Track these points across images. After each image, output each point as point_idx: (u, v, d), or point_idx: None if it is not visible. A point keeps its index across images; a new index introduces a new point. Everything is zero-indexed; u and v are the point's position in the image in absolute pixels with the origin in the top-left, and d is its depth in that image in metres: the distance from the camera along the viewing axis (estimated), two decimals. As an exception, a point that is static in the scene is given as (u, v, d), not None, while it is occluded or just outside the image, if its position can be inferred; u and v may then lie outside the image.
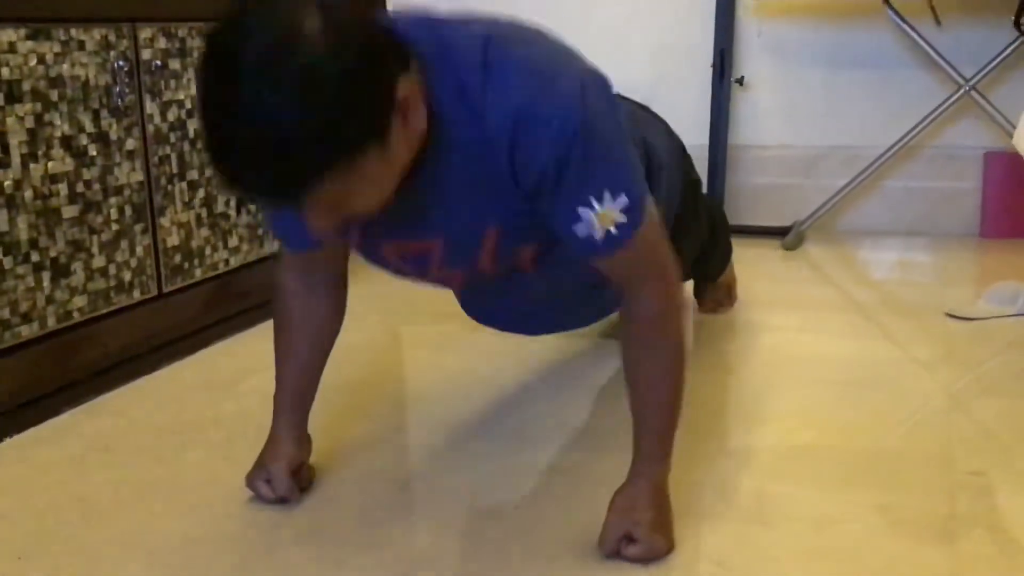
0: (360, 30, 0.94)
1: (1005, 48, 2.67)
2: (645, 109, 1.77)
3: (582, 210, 1.09)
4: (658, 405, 1.21)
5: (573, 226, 1.11)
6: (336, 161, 0.93)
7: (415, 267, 1.28)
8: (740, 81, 2.95)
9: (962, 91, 2.71)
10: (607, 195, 1.09)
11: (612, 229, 1.11)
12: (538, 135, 1.05)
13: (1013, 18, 2.54)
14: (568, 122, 1.05)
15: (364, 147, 0.94)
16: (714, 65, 2.91)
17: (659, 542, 1.17)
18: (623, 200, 1.10)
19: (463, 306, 1.61)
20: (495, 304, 1.55)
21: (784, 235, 2.83)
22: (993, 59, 2.68)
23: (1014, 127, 2.60)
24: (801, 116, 2.97)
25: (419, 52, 1.03)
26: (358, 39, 0.93)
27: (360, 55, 0.92)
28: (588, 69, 1.12)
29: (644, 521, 1.17)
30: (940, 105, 2.75)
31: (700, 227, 1.88)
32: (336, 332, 1.39)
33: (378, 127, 0.95)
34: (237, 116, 0.89)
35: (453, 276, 1.31)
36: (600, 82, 1.13)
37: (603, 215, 1.10)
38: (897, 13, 2.73)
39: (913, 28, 2.73)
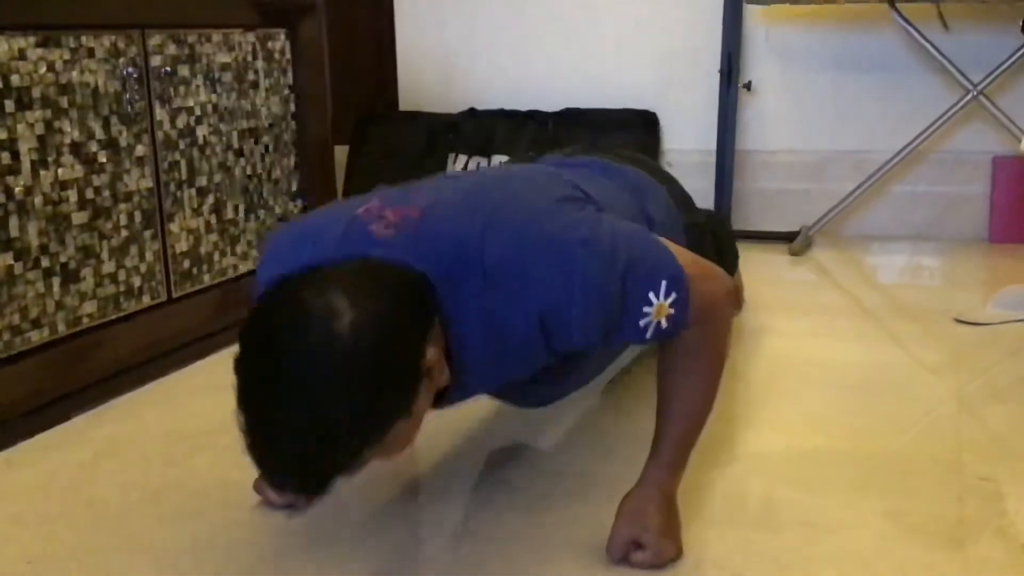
0: (386, 313, 0.98)
1: (1013, 53, 2.66)
2: (642, 160, 1.75)
3: (642, 322, 1.12)
4: (687, 416, 1.22)
5: (641, 336, 1.14)
6: (370, 443, 0.96)
7: None
8: (747, 86, 2.95)
9: (970, 96, 2.71)
10: (651, 297, 1.12)
11: (665, 321, 1.13)
12: (567, 320, 1.09)
13: (1021, 23, 2.54)
14: (588, 298, 1.08)
15: (392, 425, 0.98)
16: (721, 70, 2.91)
17: (667, 548, 1.17)
18: (668, 291, 1.12)
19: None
20: (515, 394, 1.56)
21: (792, 240, 2.82)
22: (1001, 64, 2.68)
23: (1022, 131, 2.61)
24: (809, 121, 2.97)
25: (432, 286, 1.05)
26: (388, 330, 0.97)
27: (392, 352, 0.97)
28: (569, 219, 1.14)
29: (652, 527, 1.17)
30: (948, 110, 2.74)
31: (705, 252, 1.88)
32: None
33: (408, 405, 0.99)
34: (274, 420, 0.94)
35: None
36: (589, 222, 1.14)
37: (658, 309, 1.13)
38: (904, 18, 2.73)
39: (921, 33, 2.73)
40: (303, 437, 0.93)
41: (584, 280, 1.08)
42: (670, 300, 1.13)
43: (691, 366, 1.21)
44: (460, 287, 1.07)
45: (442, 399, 1.11)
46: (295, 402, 0.93)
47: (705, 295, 1.18)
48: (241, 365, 0.98)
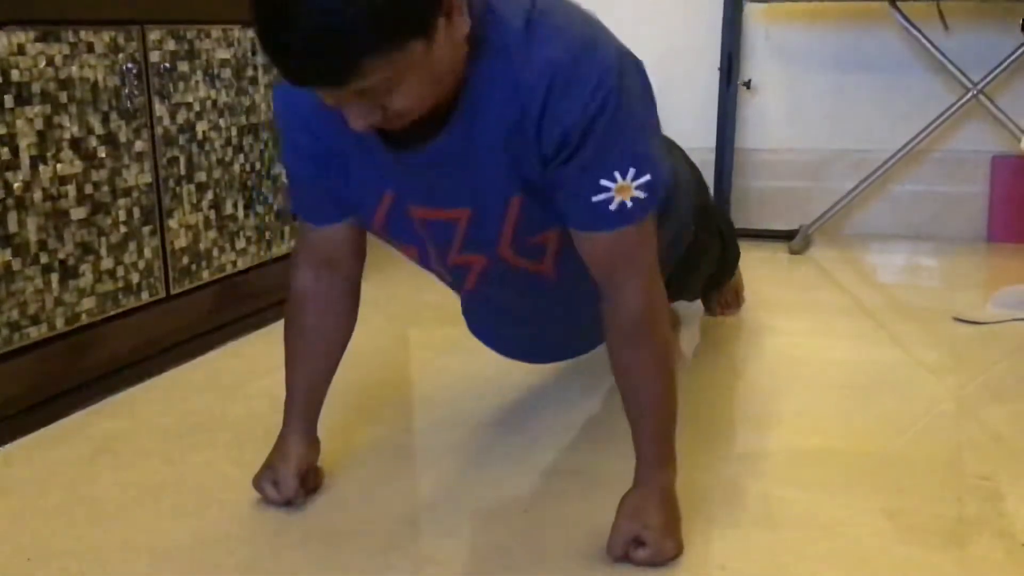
0: None
1: (1013, 52, 2.66)
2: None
3: (604, 181, 1.10)
4: (655, 407, 1.20)
5: (591, 195, 1.11)
6: (382, 46, 0.95)
7: (438, 242, 1.27)
8: (747, 85, 2.95)
9: (970, 95, 2.71)
10: (632, 171, 1.10)
11: (628, 202, 1.11)
12: (572, 93, 1.07)
13: (1021, 22, 2.54)
14: (603, 86, 1.07)
15: (410, 37, 0.96)
16: (721, 68, 2.91)
17: (668, 546, 1.17)
18: (646, 178, 1.11)
19: (470, 323, 1.61)
20: (503, 319, 1.55)
21: (791, 239, 2.82)
22: (1001, 63, 2.68)
23: (1022, 131, 2.61)
24: (808, 120, 2.97)
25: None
26: None
27: None
28: (627, 50, 1.14)
29: (653, 524, 1.16)
30: (948, 109, 2.74)
31: (714, 250, 1.89)
32: (348, 336, 1.38)
33: (423, 21, 0.97)
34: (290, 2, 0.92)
35: (472, 263, 1.30)
36: (638, 63, 1.14)
37: (623, 187, 1.10)
38: (904, 17, 2.73)
39: (920, 32, 2.73)
40: (317, 19, 0.92)
41: (611, 74, 1.07)
42: (643, 180, 1.11)
43: (644, 358, 1.18)
44: (495, 24, 1.07)
45: (451, 140, 1.10)
46: None
47: (651, 247, 1.16)
48: None
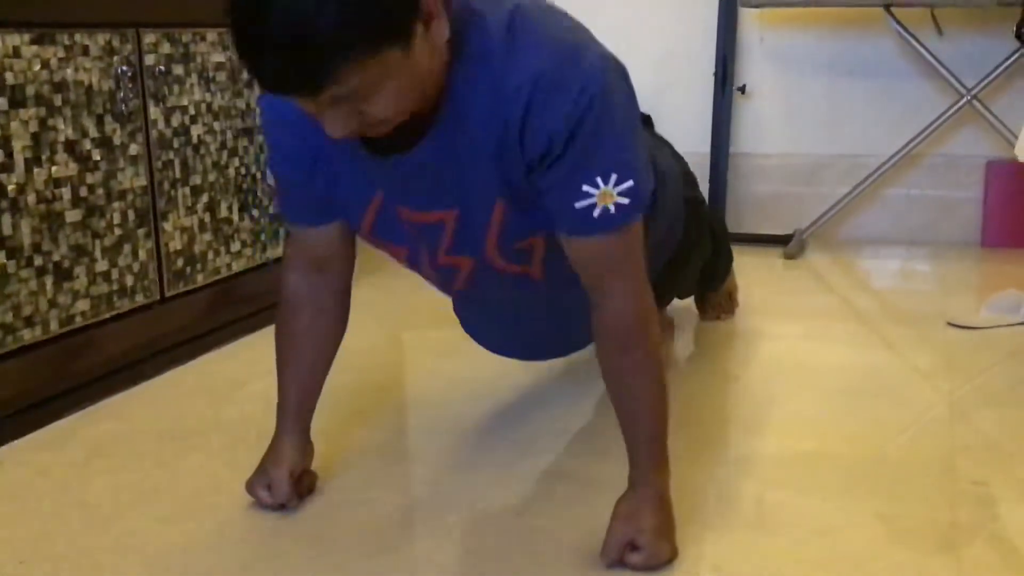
0: None
1: (1006, 58, 2.67)
2: (650, 130, 1.79)
3: (587, 187, 1.10)
4: (647, 413, 1.20)
5: (574, 201, 1.11)
6: (356, 53, 0.94)
7: (426, 244, 1.27)
8: (742, 89, 2.95)
9: (964, 100, 2.71)
10: (614, 177, 1.10)
11: (611, 208, 1.11)
12: (555, 99, 1.07)
13: (1014, 28, 2.54)
14: (586, 92, 1.07)
15: (386, 43, 0.96)
16: (716, 73, 2.91)
17: (663, 549, 1.17)
18: (628, 184, 1.11)
19: (462, 320, 1.61)
20: (494, 317, 1.55)
21: (786, 243, 2.83)
22: (995, 69, 2.69)
23: (1015, 136, 2.61)
24: (803, 124, 2.98)
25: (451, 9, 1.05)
26: None
27: None
28: (611, 55, 1.14)
29: (648, 528, 1.16)
30: (942, 114, 2.75)
31: (705, 244, 1.90)
32: (340, 339, 1.39)
33: (400, 27, 0.97)
34: (265, 7, 0.92)
35: (460, 264, 1.30)
36: (621, 68, 1.15)
37: (605, 193, 1.10)
38: (899, 22, 2.73)
39: (915, 37, 2.74)
40: (291, 27, 0.92)
41: (588, 82, 1.07)
42: (625, 186, 1.11)
43: (635, 364, 1.19)
44: (477, 28, 1.07)
45: (435, 146, 1.10)
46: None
47: (638, 252, 1.17)
48: None
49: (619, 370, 1.20)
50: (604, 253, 1.15)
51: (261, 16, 0.93)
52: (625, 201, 1.11)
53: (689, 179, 1.79)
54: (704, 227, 1.86)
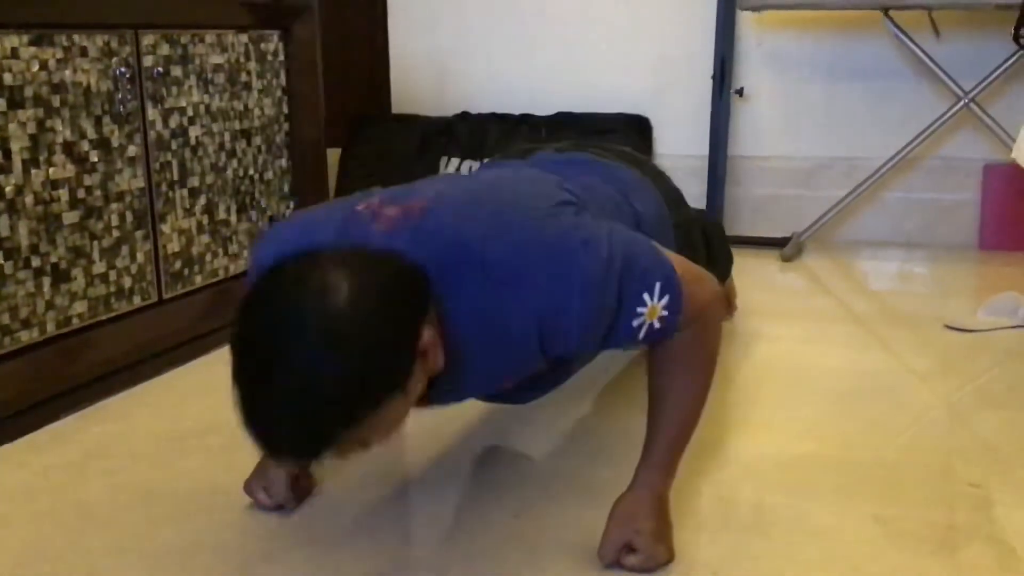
0: (383, 289, 0.99)
1: (1004, 61, 2.67)
2: (630, 156, 1.74)
3: (635, 322, 1.13)
4: (679, 419, 1.22)
5: (634, 337, 1.15)
6: (358, 417, 0.96)
7: None
8: (740, 92, 2.95)
9: (961, 103, 2.72)
10: (645, 298, 1.13)
11: (657, 322, 1.14)
12: (564, 326, 1.09)
13: (1012, 31, 2.55)
14: (587, 302, 1.08)
15: (385, 397, 0.98)
16: (714, 76, 2.91)
17: (659, 552, 1.17)
18: (661, 293, 1.14)
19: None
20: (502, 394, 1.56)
21: (783, 246, 2.83)
22: (992, 72, 2.69)
23: (1013, 139, 2.61)
24: (801, 127, 2.98)
25: (430, 278, 1.05)
26: (384, 303, 0.98)
27: (386, 321, 0.97)
28: (568, 222, 1.15)
29: (645, 530, 1.17)
30: (939, 117, 2.75)
31: (698, 260, 1.89)
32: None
33: (399, 380, 0.99)
34: (269, 380, 0.94)
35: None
36: (584, 227, 1.14)
37: (651, 311, 1.14)
38: (897, 25, 2.74)
39: (913, 40, 2.74)
40: (296, 401, 0.93)
41: (584, 284, 1.08)
42: (663, 302, 1.14)
43: (682, 369, 1.21)
44: (459, 282, 1.07)
45: (434, 393, 1.11)
46: (289, 367, 0.93)
47: (695, 298, 1.18)
48: (236, 336, 0.98)
49: (672, 372, 1.22)
50: (675, 344, 1.19)
51: (266, 389, 0.95)
52: (666, 312, 1.14)
53: (676, 201, 1.76)
54: (698, 244, 1.86)
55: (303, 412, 0.94)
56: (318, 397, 0.93)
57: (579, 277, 1.08)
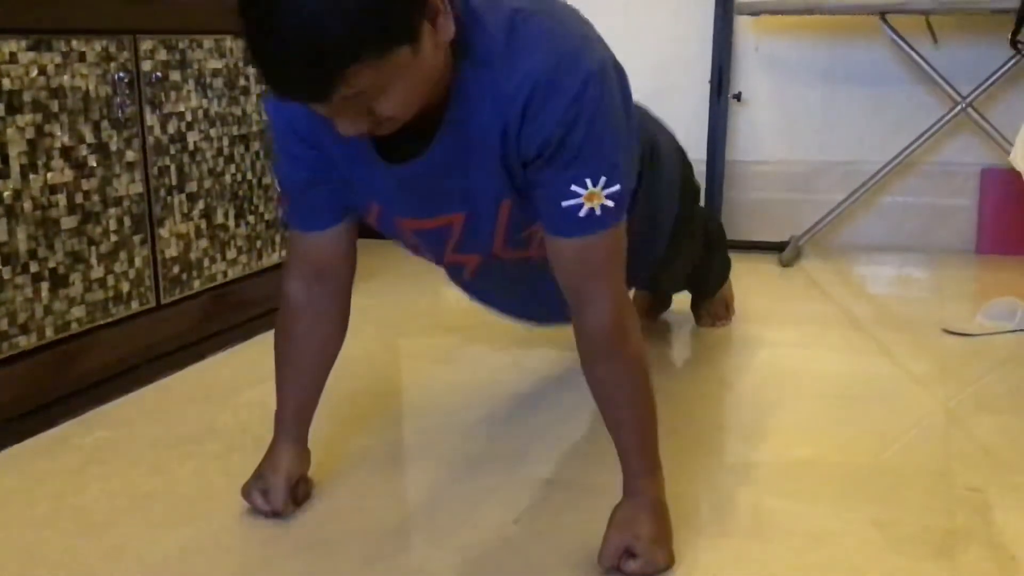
0: None
1: (1002, 65, 2.68)
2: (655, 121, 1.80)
3: (575, 187, 1.12)
4: (634, 421, 1.20)
5: (561, 200, 1.13)
6: (366, 55, 0.95)
7: (430, 248, 1.30)
8: (738, 97, 2.96)
9: (959, 108, 2.72)
10: (603, 179, 1.12)
11: (596, 209, 1.12)
12: (551, 103, 1.08)
13: (1009, 36, 2.55)
14: (581, 97, 1.08)
15: (395, 44, 0.97)
16: (712, 81, 2.92)
17: (659, 557, 1.17)
18: (615, 188, 1.13)
19: (467, 293, 1.63)
20: (494, 293, 1.58)
21: (781, 250, 2.83)
22: (990, 76, 2.69)
23: (1011, 144, 2.62)
24: (798, 132, 2.98)
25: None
26: None
27: None
28: (610, 57, 1.16)
29: (644, 535, 1.16)
30: (937, 122, 2.76)
31: (695, 243, 1.89)
32: (339, 346, 1.38)
33: (408, 28, 0.98)
34: (276, 11, 0.93)
35: (467, 262, 1.32)
36: (618, 71, 1.17)
37: (593, 194, 1.12)
38: (894, 30, 2.74)
39: (910, 45, 2.75)
40: (301, 35, 0.93)
41: (584, 89, 1.08)
42: (610, 194, 1.12)
43: (619, 370, 1.19)
44: (478, 31, 1.08)
45: (440, 150, 1.11)
46: (294, 2, 0.92)
47: (620, 257, 1.18)
48: None
49: (602, 378, 1.20)
50: (585, 255, 1.16)
51: (272, 23, 0.94)
52: (610, 204, 1.13)
53: (687, 165, 1.80)
54: (697, 222, 1.88)
55: (308, 44, 0.93)
56: (319, 30, 0.92)
57: (584, 84, 1.08)
